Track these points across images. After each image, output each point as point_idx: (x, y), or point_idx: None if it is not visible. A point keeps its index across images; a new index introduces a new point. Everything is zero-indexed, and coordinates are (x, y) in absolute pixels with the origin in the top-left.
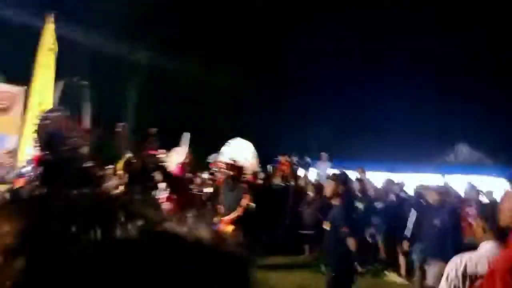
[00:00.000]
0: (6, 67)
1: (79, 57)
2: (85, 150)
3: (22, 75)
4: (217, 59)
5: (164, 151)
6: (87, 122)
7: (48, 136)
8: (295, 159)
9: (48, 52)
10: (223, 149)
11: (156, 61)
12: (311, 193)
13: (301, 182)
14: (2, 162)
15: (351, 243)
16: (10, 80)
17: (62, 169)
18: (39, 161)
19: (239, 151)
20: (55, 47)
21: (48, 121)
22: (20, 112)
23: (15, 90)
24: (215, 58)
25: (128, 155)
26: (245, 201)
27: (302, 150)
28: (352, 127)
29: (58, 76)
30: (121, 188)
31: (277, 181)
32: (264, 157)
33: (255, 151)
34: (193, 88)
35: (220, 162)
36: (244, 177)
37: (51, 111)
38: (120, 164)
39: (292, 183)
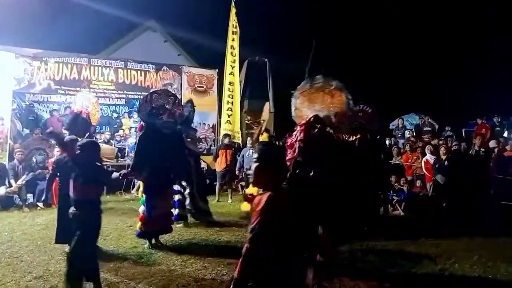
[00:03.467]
0: (200, 53)
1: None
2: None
3: (213, 59)
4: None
5: None
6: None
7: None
8: (496, 120)
9: (232, 35)
10: None
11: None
12: None
13: (508, 147)
14: (206, 136)
15: None
16: (203, 65)
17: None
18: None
19: None
20: (237, 30)
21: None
22: (216, 92)
23: (209, 73)
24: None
25: None
26: None
27: (506, 110)
28: None
29: (241, 56)
30: None
31: (475, 146)
32: (455, 121)
33: None
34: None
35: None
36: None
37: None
38: None
39: (496, 147)
